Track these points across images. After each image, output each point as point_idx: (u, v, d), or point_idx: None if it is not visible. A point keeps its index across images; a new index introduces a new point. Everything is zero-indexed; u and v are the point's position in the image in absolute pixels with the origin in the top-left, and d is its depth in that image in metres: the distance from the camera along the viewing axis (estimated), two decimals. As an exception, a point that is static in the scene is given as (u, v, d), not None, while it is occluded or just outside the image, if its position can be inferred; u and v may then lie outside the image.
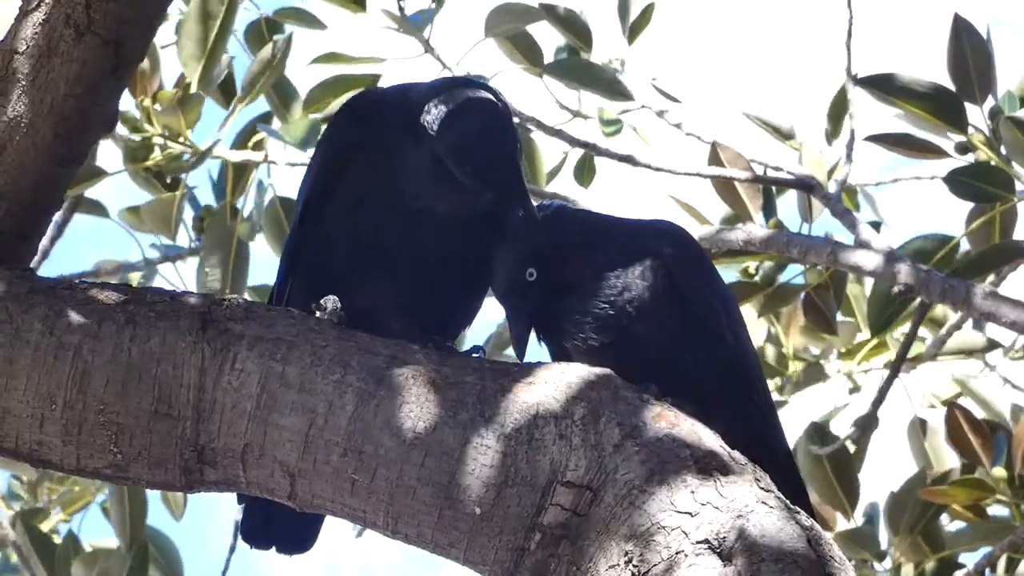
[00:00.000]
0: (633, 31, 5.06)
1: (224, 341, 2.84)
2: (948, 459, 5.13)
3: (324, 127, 4.24)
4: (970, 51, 4.64)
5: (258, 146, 5.01)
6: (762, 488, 2.67)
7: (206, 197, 5.16)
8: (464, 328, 3.17)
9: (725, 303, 3.00)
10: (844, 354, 5.22)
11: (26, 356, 2.85)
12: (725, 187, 4.88)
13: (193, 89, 4.80)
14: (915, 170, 5.34)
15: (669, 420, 2.73)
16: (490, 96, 2.96)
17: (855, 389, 5.40)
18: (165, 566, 5.22)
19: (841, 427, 5.20)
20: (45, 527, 5.57)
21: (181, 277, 5.28)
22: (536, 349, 3.05)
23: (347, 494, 2.79)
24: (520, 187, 2.92)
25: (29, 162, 2.94)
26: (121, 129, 4.93)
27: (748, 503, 2.64)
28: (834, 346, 5.24)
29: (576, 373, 2.82)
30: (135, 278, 5.27)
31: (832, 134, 5.07)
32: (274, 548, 3.14)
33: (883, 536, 4.99)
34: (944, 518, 4.95)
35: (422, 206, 2.96)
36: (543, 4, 4.96)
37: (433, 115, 2.92)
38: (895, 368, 4.54)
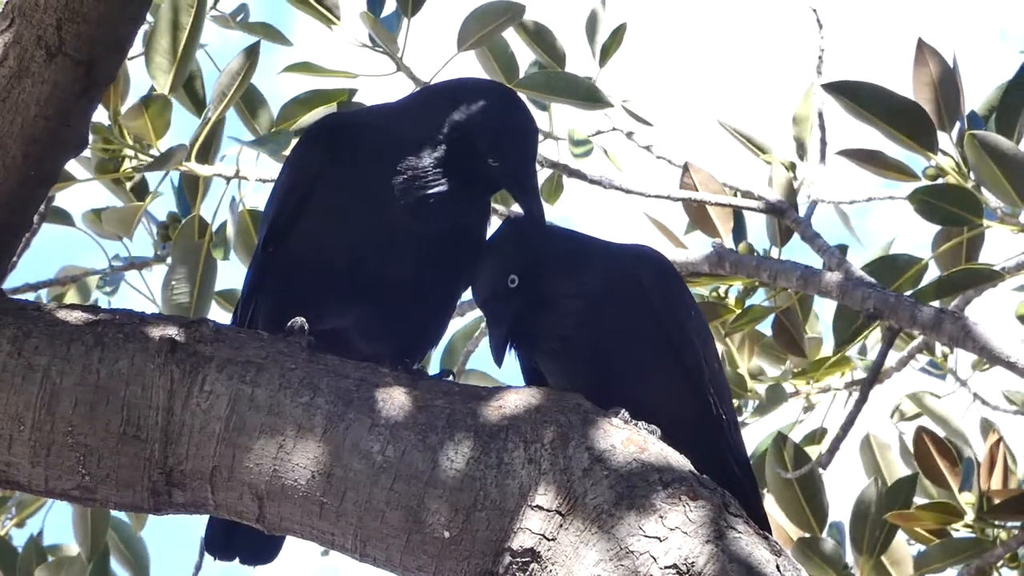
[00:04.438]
0: (604, 53, 5.04)
1: (193, 363, 2.83)
2: (900, 473, 5.13)
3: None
4: (935, 77, 4.61)
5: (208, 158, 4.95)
6: (731, 513, 2.68)
7: (172, 206, 5.12)
8: (432, 349, 3.17)
9: (700, 331, 3.00)
10: (799, 373, 5.20)
11: (-6, 377, 2.84)
12: (696, 209, 4.87)
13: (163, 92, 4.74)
14: (890, 191, 5.31)
15: (639, 445, 2.74)
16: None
17: (809, 408, 5.38)
18: (131, 559, 5.18)
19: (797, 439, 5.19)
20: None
21: (147, 284, 5.24)
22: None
23: (316, 517, 2.79)
24: (534, 182, 2.95)
25: (-1, 183, 2.93)
26: (91, 138, 4.87)
27: (717, 528, 2.64)
28: (792, 366, 5.22)
29: (546, 397, 2.82)
30: (98, 285, 5.22)
31: (800, 149, 5.05)
32: (238, 559, 3.13)
33: (850, 557, 4.99)
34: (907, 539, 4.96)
35: (400, 224, 2.95)
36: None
37: (468, 99, 2.93)
38: (864, 392, 4.53)
